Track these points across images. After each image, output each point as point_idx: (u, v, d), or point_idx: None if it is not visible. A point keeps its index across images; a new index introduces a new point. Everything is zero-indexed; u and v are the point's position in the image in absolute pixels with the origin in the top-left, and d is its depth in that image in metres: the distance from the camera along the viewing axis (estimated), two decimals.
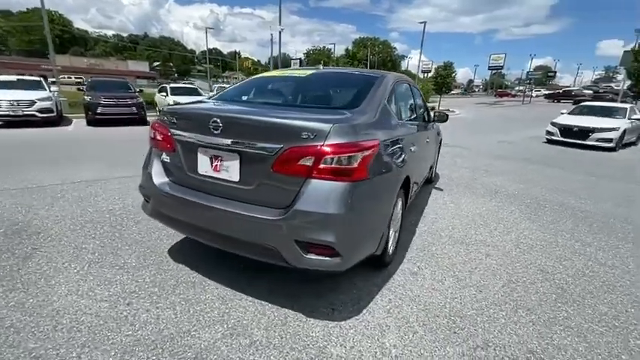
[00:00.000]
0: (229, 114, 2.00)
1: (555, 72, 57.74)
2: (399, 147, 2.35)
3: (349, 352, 1.74)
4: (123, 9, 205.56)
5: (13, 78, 10.72)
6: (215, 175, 2.00)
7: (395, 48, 74.17)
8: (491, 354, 1.79)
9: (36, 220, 3.15)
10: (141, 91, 13.45)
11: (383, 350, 1.77)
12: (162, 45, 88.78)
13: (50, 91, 10.64)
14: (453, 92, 56.78)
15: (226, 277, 2.35)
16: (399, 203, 2.55)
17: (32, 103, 9.31)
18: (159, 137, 2.26)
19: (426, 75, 30.89)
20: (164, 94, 12.81)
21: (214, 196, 2.03)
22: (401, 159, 2.36)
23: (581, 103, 12.01)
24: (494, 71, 43.92)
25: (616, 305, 2.28)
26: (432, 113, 4.24)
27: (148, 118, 11.73)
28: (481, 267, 2.71)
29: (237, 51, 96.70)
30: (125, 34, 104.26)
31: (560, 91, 44.01)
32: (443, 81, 28.03)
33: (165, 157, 2.24)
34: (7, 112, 8.99)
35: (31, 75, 13.45)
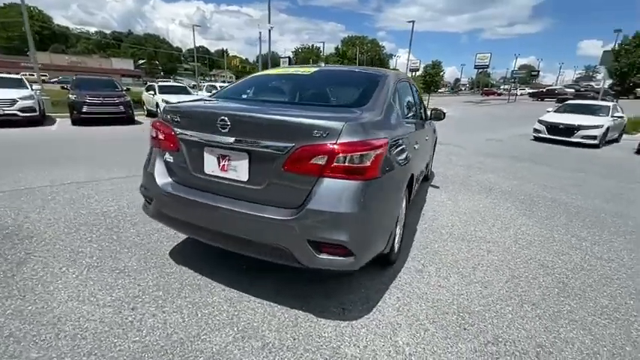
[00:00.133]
0: (238, 112, 1.95)
1: (539, 71, 59.30)
2: (405, 145, 2.35)
3: (363, 352, 1.74)
4: (105, 5, 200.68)
5: None
6: (222, 174, 1.96)
7: (383, 47, 74.75)
8: (502, 349, 1.81)
9: (27, 223, 3.02)
10: (128, 89, 13.11)
11: (397, 349, 1.77)
12: (148, 43, 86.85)
13: (32, 89, 10.25)
14: (440, 91, 57.54)
15: (231, 279, 2.31)
16: (404, 201, 2.56)
17: (14, 102, 8.95)
18: (161, 136, 2.19)
19: (414, 74, 31.23)
20: (152, 92, 12.52)
21: (221, 196, 1.98)
22: (407, 157, 2.37)
23: (567, 102, 12.35)
24: (480, 70, 44.77)
25: (615, 298, 2.34)
26: (428, 111, 4.27)
27: (136, 117, 11.47)
28: (484, 263, 2.74)
29: (225, 49, 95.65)
30: (108, 31, 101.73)
31: (544, 89, 45.26)
32: (431, 80, 28.40)
33: (169, 157, 2.18)
34: None
35: (9, 73, 12.91)
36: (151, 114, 12.75)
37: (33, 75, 15.72)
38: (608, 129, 9.71)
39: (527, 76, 56.22)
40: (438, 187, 4.88)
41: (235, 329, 1.85)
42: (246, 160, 1.86)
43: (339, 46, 67.00)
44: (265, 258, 1.92)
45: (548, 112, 11.36)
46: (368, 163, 1.75)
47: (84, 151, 6.41)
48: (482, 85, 70.18)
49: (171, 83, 15.28)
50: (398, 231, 2.45)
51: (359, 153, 1.73)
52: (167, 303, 2.04)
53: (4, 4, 61.62)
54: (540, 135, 10.34)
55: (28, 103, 9.27)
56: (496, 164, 6.69)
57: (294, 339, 1.80)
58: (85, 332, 1.76)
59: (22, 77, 10.88)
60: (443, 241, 3.13)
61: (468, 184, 5.16)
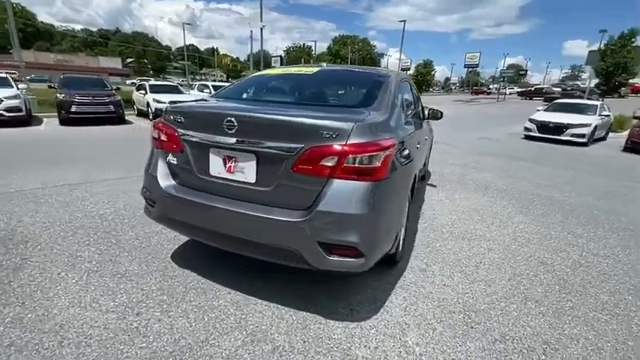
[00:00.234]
0: (245, 113, 1.93)
1: (526, 70, 60.25)
2: (409, 145, 2.36)
3: (374, 353, 1.74)
4: (91, 2, 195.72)
5: None
6: (229, 176, 1.93)
7: (374, 46, 75.05)
8: (509, 347, 1.83)
9: (21, 227, 2.93)
10: (118, 89, 12.85)
11: (407, 349, 1.77)
12: (136, 41, 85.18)
13: (18, 88, 9.95)
14: (431, 89, 58.09)
15: (234, 280, 2.28)
16: (407, 200, 2.57)
17: None
18: (164, 137, 2.14)
19: (405, 73, 31.47)
20: (142, 91, 12.28)
21: (228, 198, 1.95)
22: (411, 157, 2.37)
23: (556, 101, 12.60)
24: (470, 69, 45.31)
25: (614, 294, 2.40)
26: (426, 111, 4.29)
27: (127, 117, 11.26)
28: (485, 261, 2.77)
29: (215, 47, 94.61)
30: (94, 29, 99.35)
31: (532, 88, 46.03)
32: (423, 79, 28.64)
33: (172, 159, 2.14)
34: None
35: None
36: (141, 114, 12.52)
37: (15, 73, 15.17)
38: (596, 127, 9.94)
39: (516, 75, 57.24)
40: (435, 186, 4.92)
41: (244, 333, 1.83)
42: (254, 162, 1.84)
43: (332, 46, 67.06)
44: (274, 260, 1.91)
45: (539, 110, 11.57)
46: (377, 164, 1.75)
47: (75, 151, 6.25)
48: (472, 84, 71.12)
49: (163, 82, 15.02)
50: (402, 230, 2.45)
51: (368, 154, 1.72)
52: (172, 307, 2.00)
53: None
54: (531, 134, 10.52)
55: (14, 102, 8.99)
56: (490, 163, 6.78)
57: (304, 341, 1.79)
58: (90, 339, 1.72)
59: (8, 76, 10.56)
60: (444, 239, 3.15)
61: (464, 182, 5.22)
